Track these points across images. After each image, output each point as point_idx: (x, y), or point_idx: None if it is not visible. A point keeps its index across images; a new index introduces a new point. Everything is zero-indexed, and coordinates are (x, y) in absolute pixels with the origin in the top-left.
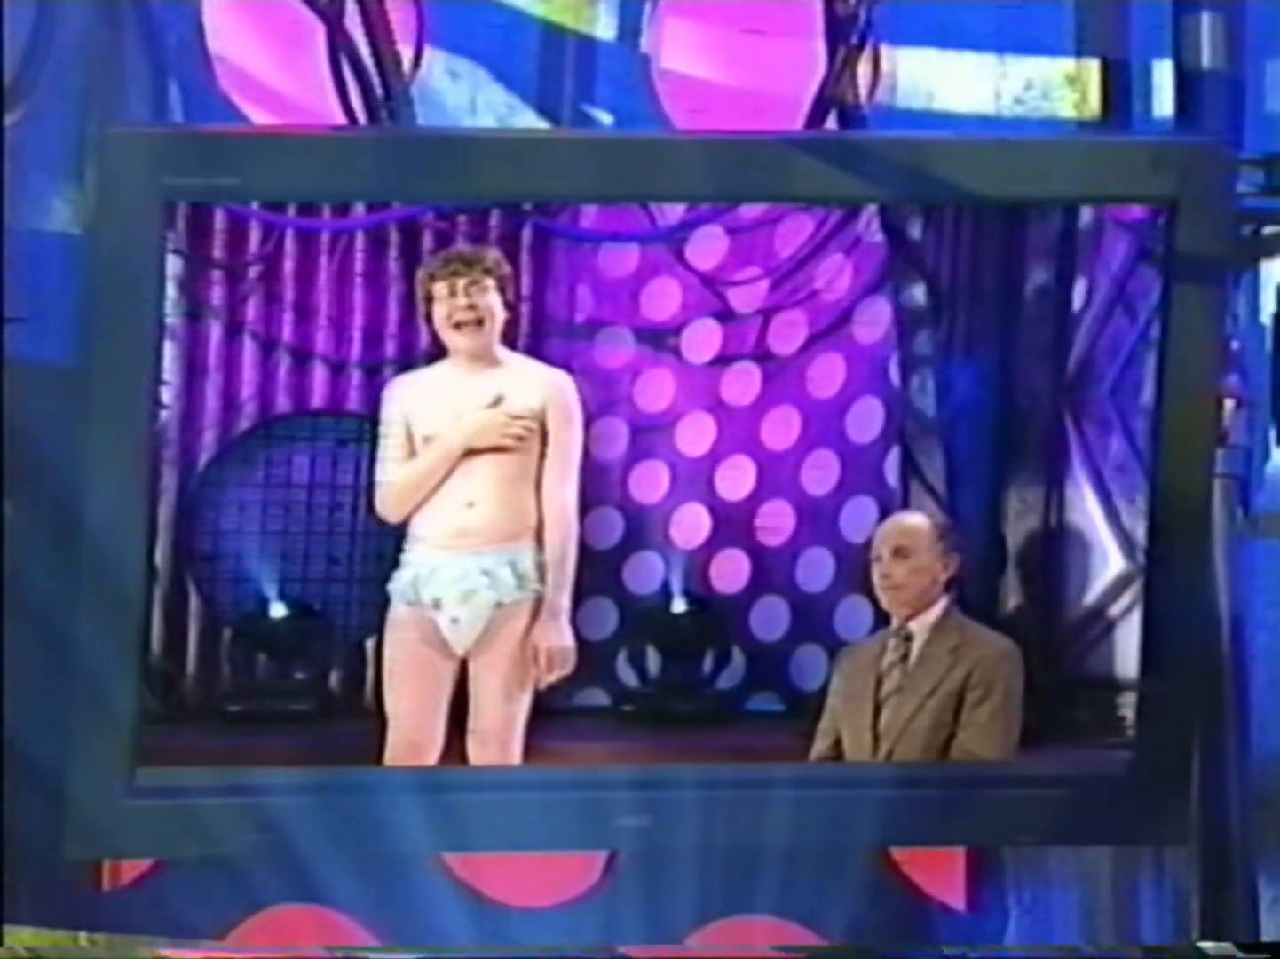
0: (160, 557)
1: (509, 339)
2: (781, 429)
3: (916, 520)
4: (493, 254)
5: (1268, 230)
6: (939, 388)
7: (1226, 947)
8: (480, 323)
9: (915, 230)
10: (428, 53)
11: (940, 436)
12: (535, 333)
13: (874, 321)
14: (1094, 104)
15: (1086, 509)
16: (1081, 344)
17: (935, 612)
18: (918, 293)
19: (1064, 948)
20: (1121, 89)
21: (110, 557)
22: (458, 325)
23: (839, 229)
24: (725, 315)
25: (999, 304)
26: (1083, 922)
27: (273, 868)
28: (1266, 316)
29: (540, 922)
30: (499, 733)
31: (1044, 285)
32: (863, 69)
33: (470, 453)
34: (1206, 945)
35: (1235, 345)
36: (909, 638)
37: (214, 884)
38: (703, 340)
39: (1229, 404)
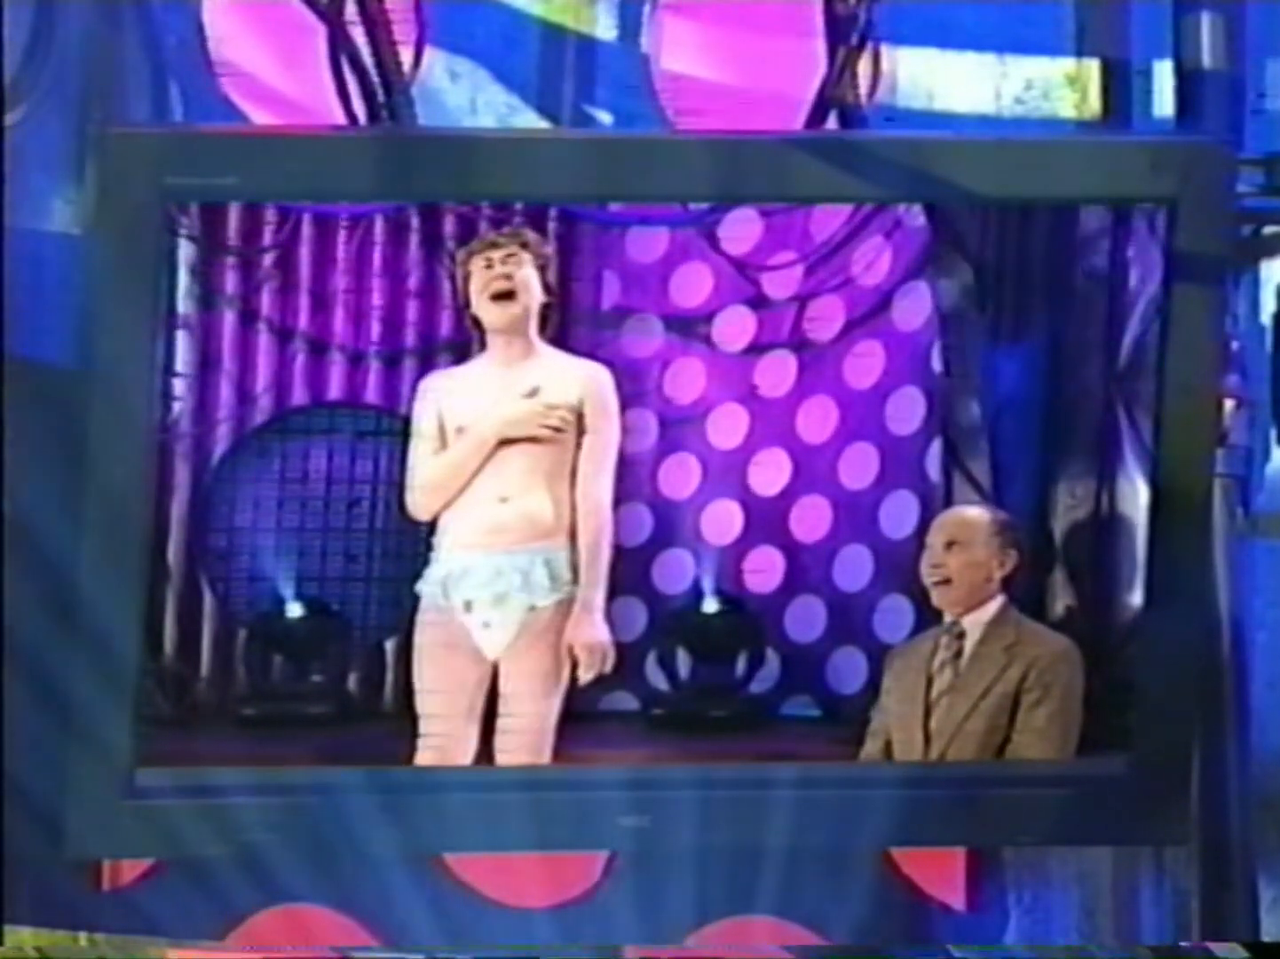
0: (173, 554)
1: (543, 332)
2: (818, 420)
3: (974, 513)
4: (533, 234)
5: (1268, 230)
6: (984, 377)
7: (1233, 947)
8: (514, 294)
9: (958, 212)
10: (428, 53)
11: (985, 428)
12: (561, 321)
13: (915, 308)
14: (1094, 104)
15: (1140, 504)
16: (1135, 330)
17: (990, 609)
18: (961, 277)
19: (1068, 948)
20: (1121, 89)
21: (110, 557)
22: (494, 297)
23: (878, 211)
24: (759, 302)
25: (1047, 288)
26: (1083, 922)
27: (272, 868)
28: (1266, 316)
29: (540, 922)
30: (530, 736)
31: (1095, 268)
32: (863, 69)
33: (504, 445)
34: (1213, 946)
35: (1235, 345)
36: (961, 635)
37: (214, 884)
38: (735, 328)
39: (1229, 404)
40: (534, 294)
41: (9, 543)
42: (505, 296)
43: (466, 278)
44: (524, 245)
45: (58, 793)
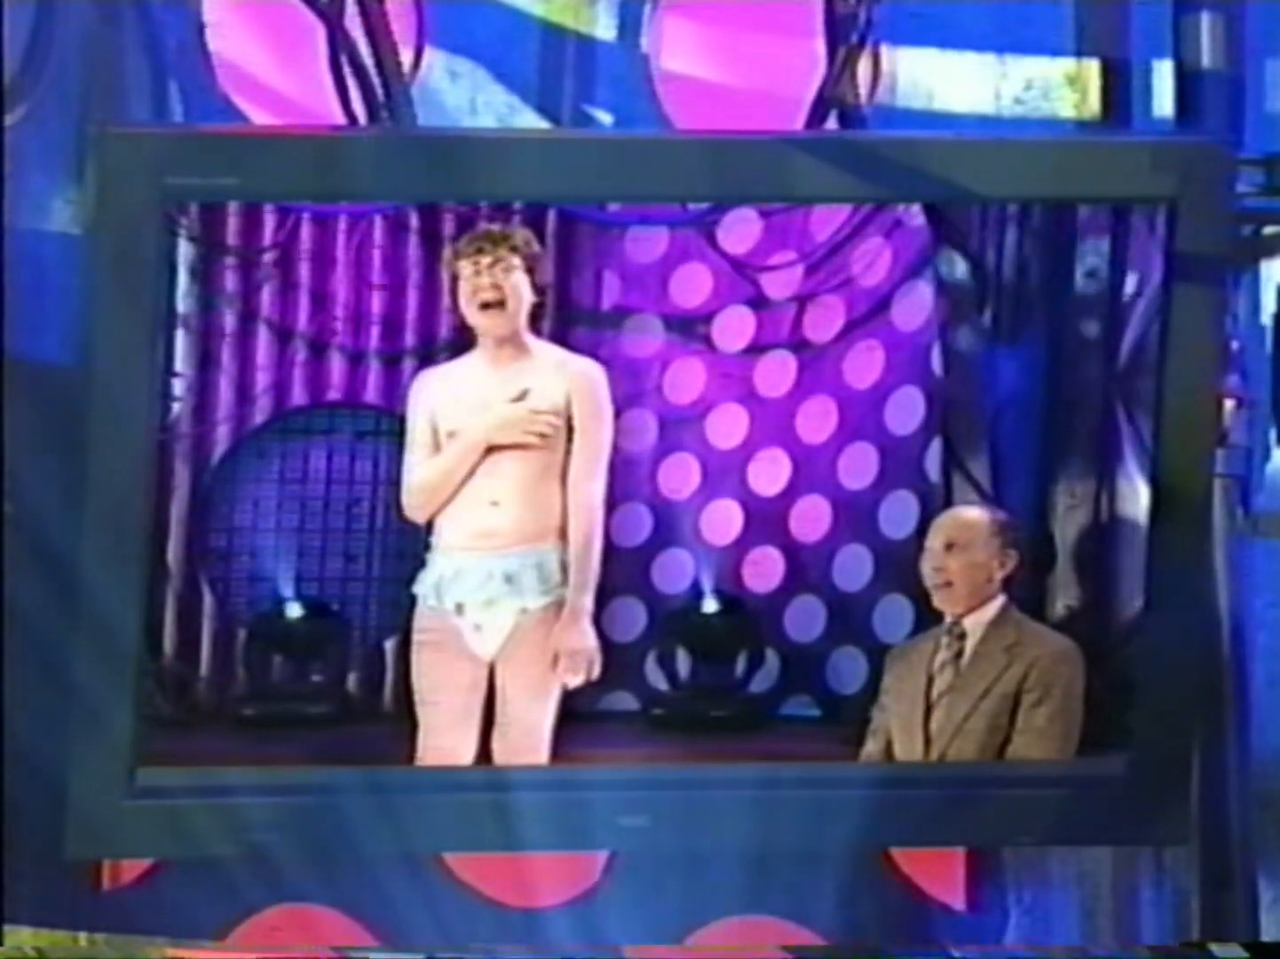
0: (172, 555)
1: (533, 327)
2: (817, 421)
3: (974, 514)
4: (522, 233)
5: (1268, 230)
6: (983, 376)
7: (1233, 948)
8: (504, 304)
9: (958, 212)
10: (428, 53)
11: (985, 428)
12: (560, 321)
13: (914, 307)
14: (1094, 104)
15: (1140, 503)
16: (1135, 329)
17: (991, 609)
18: (960, 277)
19: (1067, 948)
20: (1121, 89)
21: (110, 557)
22: (482, 306)
23: (877, 211)
24: (758, 302)
25: (1047, 288)
26: (1083, 922)
27: (273, 868)
28: (1266, 316)
29: (540, 922)
30: (526, 738)
31: (1095, 268)
32: (863, 69)
33: (494, 449)
34: (1214, 946)
35: (1235, 345)
36: (962, 636)
37: (214, 885)
38: (735, 328)
39: (1229, 404)
40: (524, 299)
41: (9, 543)
42: (494, 305)
43: (455, 279)
44: (513, 249)
45: (58, 793)
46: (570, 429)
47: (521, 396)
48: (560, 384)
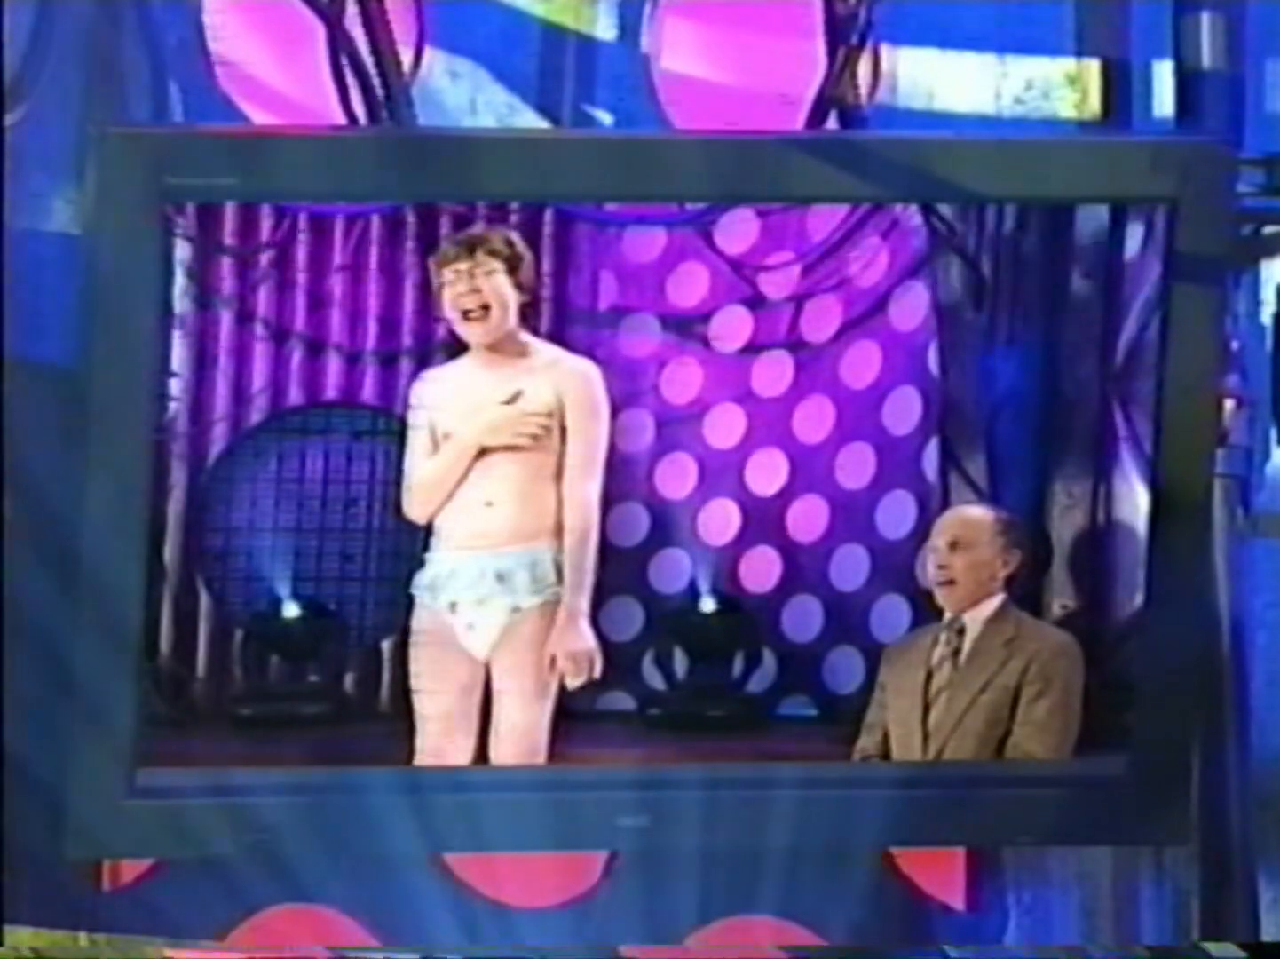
0: (169, 555)
1: (529, 328)
2: (814, 421)
3: (979, 513)
4: (502, 235)
5: (1268, 230)
6: (980, 377)
7: (1230, 948)
8: (487, 309)
9: (955, 212)
10: (428, 53)
11: (982, 428)
12: (557, 321)
13: (912, 308)
14: (1094, 104)
15: (1136, 503)
16: (1131, 330)
17: (991, 605)
18: (958, 277)
19: (1067, 948)
20: (1121, 89)
21: (110, 557)
22: (465, 314)
23: (875, 211)
24: (755, 302)
25: (1044, 288)
26: (1083, 922)
27: (272, 868)
28: (1266, 316)
29: (540, 922)
30: (522, 738)
31: (1092, 268)
32: (863, 69)
33: (487, 451)
34: (1211, 946)
35: (1235, 345)
36: (962, 631)
37: (214, 885)
38: (732, 328)
39: (1229, 404)
40: (509, 302)
41: (8, 543)
42: (479, 312)
43: (441, 287)
44: (491, 252)
45: (58, 793)
46: (564, 429)
47: (514, 399)
48: (552, 386)
